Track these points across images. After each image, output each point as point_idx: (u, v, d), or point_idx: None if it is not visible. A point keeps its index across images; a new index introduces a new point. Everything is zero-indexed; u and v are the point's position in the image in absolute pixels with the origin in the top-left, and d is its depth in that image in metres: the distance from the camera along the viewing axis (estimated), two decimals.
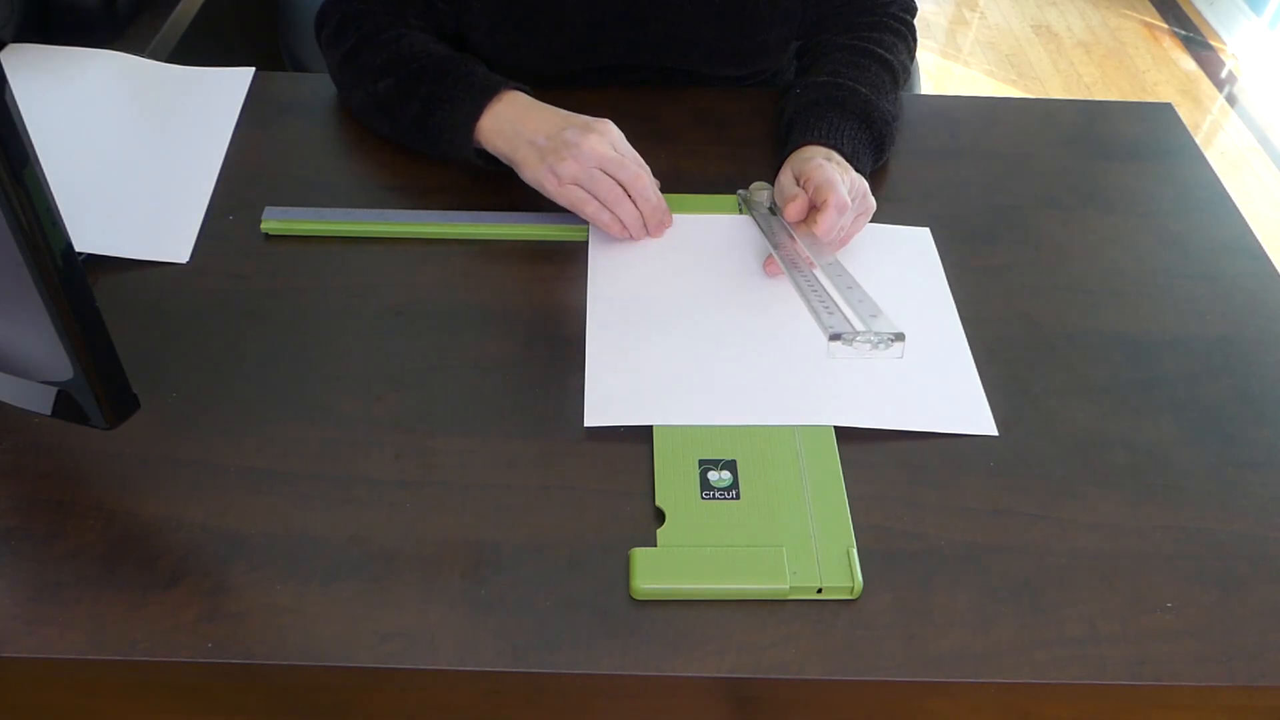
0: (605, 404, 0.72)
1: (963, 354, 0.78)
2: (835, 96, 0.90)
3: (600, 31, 0.99)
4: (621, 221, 0.83)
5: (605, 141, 0.82)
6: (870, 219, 0.86)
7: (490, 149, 0.86)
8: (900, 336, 0.68)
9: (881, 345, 0.69)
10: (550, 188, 0.82)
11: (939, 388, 0.76)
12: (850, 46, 0.96)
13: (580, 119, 0.84)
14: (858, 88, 0.90)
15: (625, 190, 0.83)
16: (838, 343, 0.68)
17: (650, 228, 0.85)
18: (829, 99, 0.90)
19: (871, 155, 0.90)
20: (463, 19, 0.99)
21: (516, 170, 0.85)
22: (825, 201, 0.79)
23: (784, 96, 0.95)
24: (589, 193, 0.82)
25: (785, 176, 0.85)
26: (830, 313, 0.71)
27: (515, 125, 0.85)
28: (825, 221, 0.78)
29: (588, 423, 0.71)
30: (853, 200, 0.80)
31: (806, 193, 0.81)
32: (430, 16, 0.98)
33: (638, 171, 0.83)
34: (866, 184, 0.84)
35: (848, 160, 0.86)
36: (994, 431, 0.73)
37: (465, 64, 0.89)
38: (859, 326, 0.69)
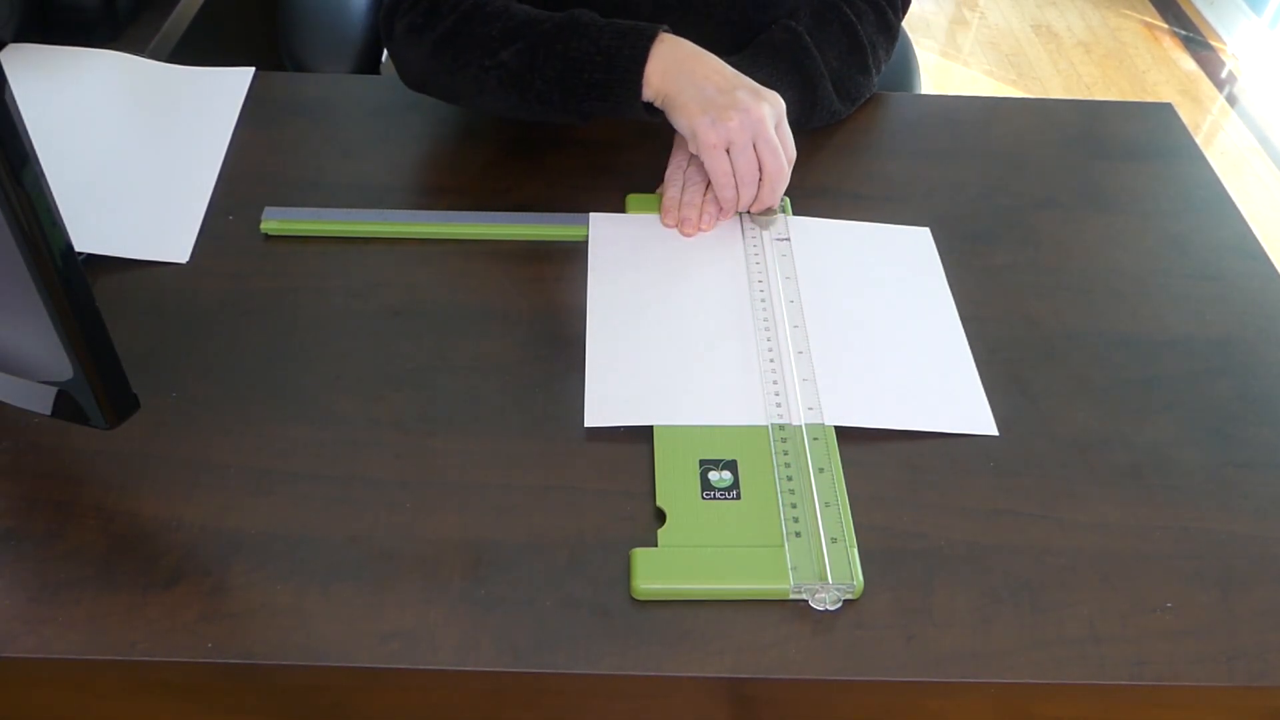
0: (605, 404, 0.72)
1: (963, 354, 0.78)
2: (771, 38, 0.93)
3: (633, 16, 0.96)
4: (726, 203, 0.82)
5: (772, 116, 0.79)
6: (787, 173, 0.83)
7: (650, 91, 0.83)
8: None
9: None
10: (703, 140, 0.79)
11: (939, 387, 0.76)
12: (814, 6, 0.97)
13: (751, 82, 0.81)
14: (799, 32, 0.93)
15: (760, 174, 0.81)
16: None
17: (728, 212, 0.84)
18: (766, 40, 0.93)
19: (796, 100, 0.91)
20: None
21: (669, 114, 0.82)
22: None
23: None
24: (732, 163, 0.80)
25: (679, 146, 0.89)
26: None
27: (682, 66, 0.81)
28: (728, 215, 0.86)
29: (588, 423, 0.71)
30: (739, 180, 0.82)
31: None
32: None
33: (784, 167, 0.81)
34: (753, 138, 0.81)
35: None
36: (994, 431, 0.73)
37: (596, 16, 0.85)
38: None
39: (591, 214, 0.87)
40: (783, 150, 0.81)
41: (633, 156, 0.95)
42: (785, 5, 0.97)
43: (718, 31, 0.98)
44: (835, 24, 0.96)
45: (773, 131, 0.80)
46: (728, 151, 0.80)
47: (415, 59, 0.91)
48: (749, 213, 0.86)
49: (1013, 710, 0.63)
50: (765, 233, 0.87)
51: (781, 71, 0.92)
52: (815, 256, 0.85)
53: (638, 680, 0.60)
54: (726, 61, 0.86)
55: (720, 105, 0.79)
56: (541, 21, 0.86)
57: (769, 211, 0.85)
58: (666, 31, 0.84)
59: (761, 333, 0.78)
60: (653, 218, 0.88)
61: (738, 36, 1.00)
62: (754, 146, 0.79)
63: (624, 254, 0.84)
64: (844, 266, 0.85)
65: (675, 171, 0.88)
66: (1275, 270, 0.88)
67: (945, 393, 0.75)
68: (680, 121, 0.81)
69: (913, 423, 0.73)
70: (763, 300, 0.81)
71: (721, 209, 0.85)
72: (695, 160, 0.86)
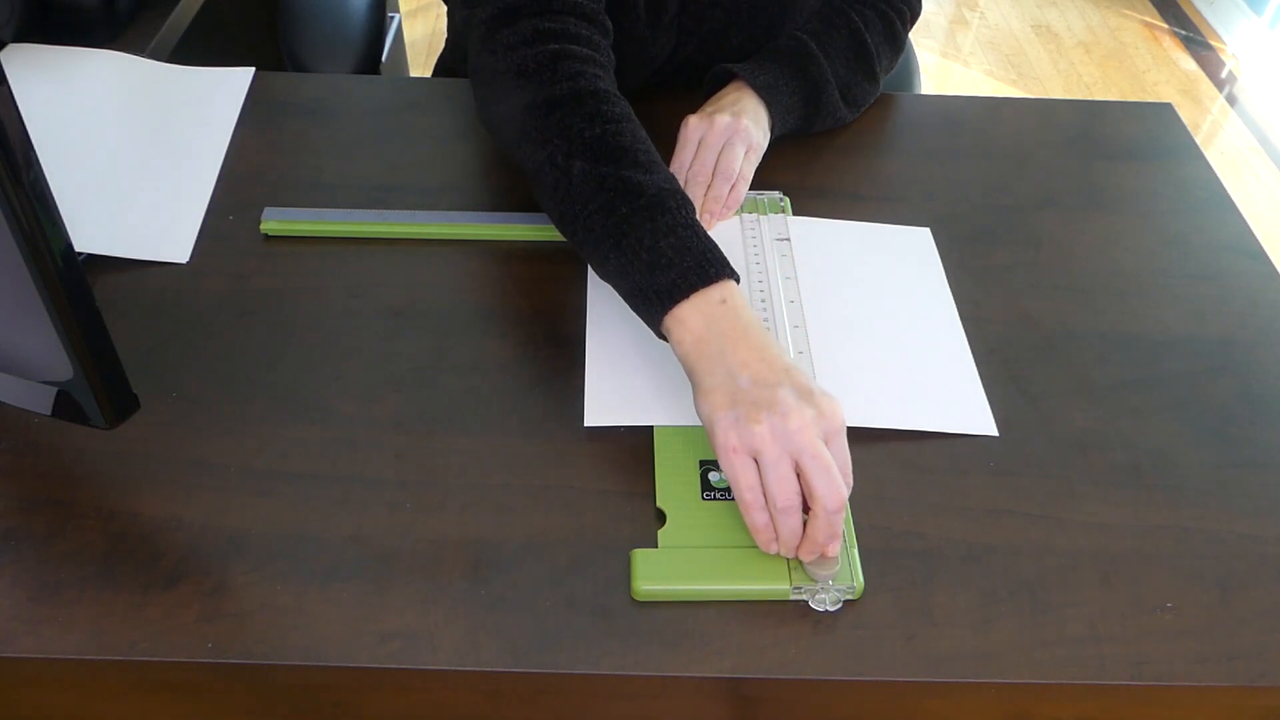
0: (605, 404, 0.72)
1: (963, 354, 0.78)
2: (778, 45, 0.94)
3: (657, 29, 0.96)
4: (774, 534, 0.63)
5: (819, 427, 0.61)
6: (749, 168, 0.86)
7: (677, 349, 0.67)
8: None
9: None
10: (719, 441, 0.62)
11: (939, 388, 0.76)
12: (823, 13, 0.98)
13: (805, 379, 0.63)
14: (806, 40, 0.93)
15: (805, 500, 0.62)
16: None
17: (803, 549, 0.63)
18: (774, 47, 0.94)
19: (801, 105, 0.92)
20: None
21: (691, 381, 0.67)
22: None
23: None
24: (760, 477, 0.62)
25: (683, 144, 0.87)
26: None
27: (723, 341, 0.65)
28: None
29: (588, 422, 0.71)
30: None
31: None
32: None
33: (839, 492, 0.61)
34: (752, 144, 0.86)
35: (758, 91, 0.89)
36: (994, 432, 0.73)
37: (674, 199, 0.71)
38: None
39: None
40: (836, 471, 0.61)
41: None
42: (802, 13, 0.98)
43: (740, 43, 0.98)
44: (843, 30, 0.96)
45: (821, 446, 0.61)
46: (756, 461, 0.62)
47: (491, 91, 0.80)
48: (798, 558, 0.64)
49: (1013, 710, 0.63)
50: (765, 233, 0.87)
51: (787, 77, 0.92)
52: (815, 256, 0.85)
53: (638, 680, 0.60)
54: (734, 67, 0.87)
55: (752, 403, 0.62)
56: (627, 160, 0.72)
57: (826, 561, 0.63)
58: (730, 279, 0.68)
59: None
60: None
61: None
62: (799, 463, 0.61)
63: None
64: (844, 266, 0.85)
65: (676, 171, 0.87)
66: (1275, 270, 0.88)
67: (945, 393, 0.75)
68: (700, 405, 0.65)
69: (913, 423, 0.73)
70: (763, 300, 0.81)
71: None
72: (699, 156, 0.85)
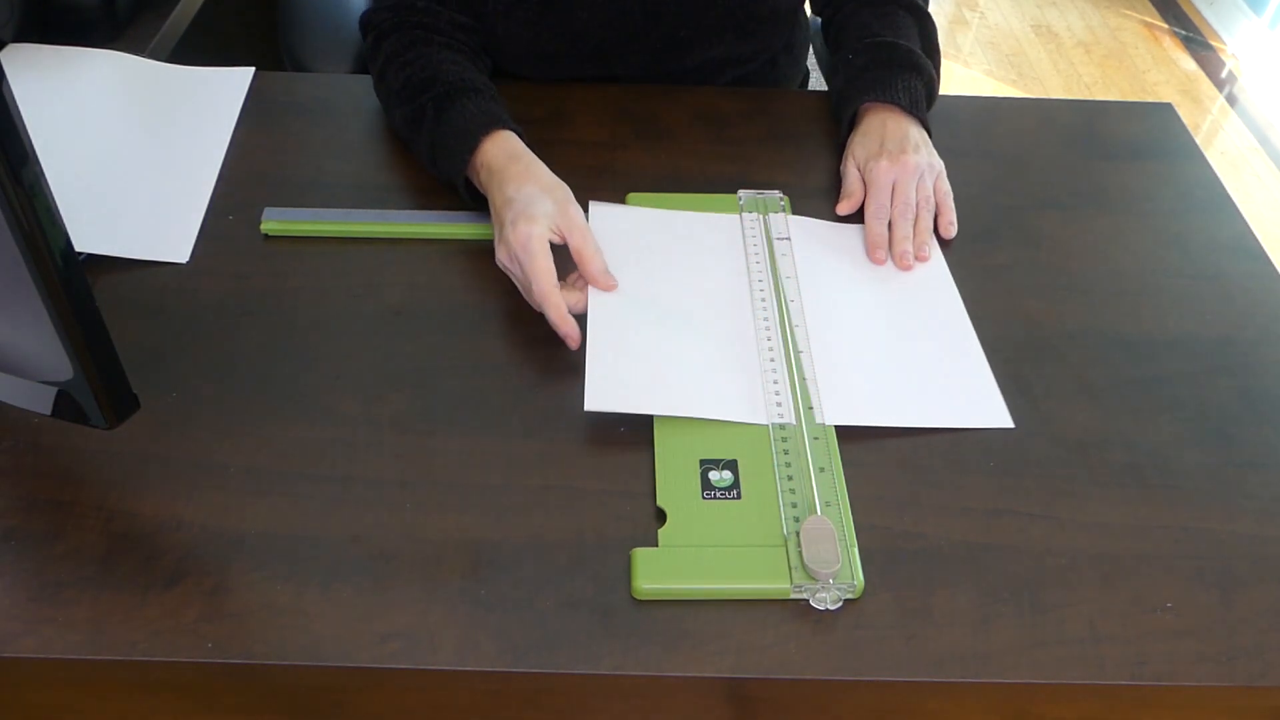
0: (605, 388, 0.72)
1: (973, 348, 0.78)
2: (880, 56, 0.95)
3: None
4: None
5: (521, 241, 0.76)
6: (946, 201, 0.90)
7: (480, 188, 0.85)
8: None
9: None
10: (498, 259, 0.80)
11: (949, 382, 0.76)
12: (874, 6, 1.00)
13: (524, 200, 0.78)
14: (897, 41, 0.95)
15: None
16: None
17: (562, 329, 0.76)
18: (875, 60, 0.95)
19: (926, 103, 0.95)
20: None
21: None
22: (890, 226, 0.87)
23: (831, 73, 1.02)
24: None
25: (849, 165, 0.92)
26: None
27: (490, 180, 0.83)
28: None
29: (588, 406, 0.71)
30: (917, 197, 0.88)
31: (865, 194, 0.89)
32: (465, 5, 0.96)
33: (546, 291, 0.75)
34: (936, 169, 0.91)
35: (909, 110, 0.92)
36: (1009, 423, 0.73)
37: (461, 96, 0.87)
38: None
39: (591, 202, 0.87)
40: (537, 280, 0.75)
41: (633, 156, 0.95)
42: None
43: (720, 19, 0.99)
44: (903, 16, 1.00)
45: (522, 256, 0.76)
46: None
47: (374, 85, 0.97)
48: None
49: (1013, 710, 0.63)
50: (765, 233, 0.87)
51: (909, 80, 0.94)
52: (815, 256, 0.85)
53: (638, 680, 0.60)
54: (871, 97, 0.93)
55: (497, 225, 0.80)
56: (428, 87, 0.88)
57: (826, 560, 0.64)
58: (506, 130, 0.85)
59: (762, 332, 0.78)
60: (651, 211, 0.88)
61: (741, 25, 1.00)
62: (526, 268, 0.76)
63: (624, 244, 0.84)
64: (845, 265, 0.85)
65: (878, 212, 0.88)
66: (1275, 270, 0.88)
67: (956, 387, 0.75)
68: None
69: (924, 420, 0.73)
70: (763, 300, 0.81)
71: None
72: (900, 195, 0.89)
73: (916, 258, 0.85)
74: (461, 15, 0.95)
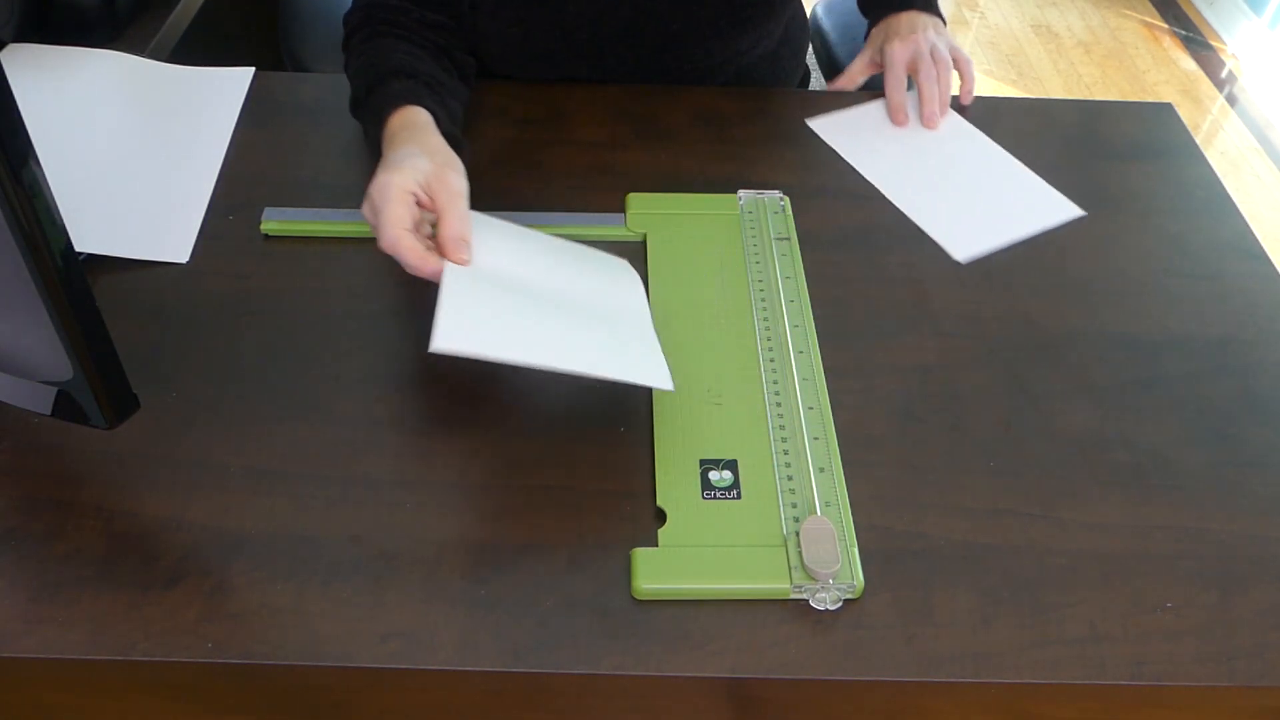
0: (462, 325, 0.65)
1: (1014, 165, 0.95)
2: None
3: None
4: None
5: (379, 187, 0.73)
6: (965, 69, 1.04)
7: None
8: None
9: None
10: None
11: (1011, 195, 0.92)
12: None
13: (398, 158, 0.75)
14: None
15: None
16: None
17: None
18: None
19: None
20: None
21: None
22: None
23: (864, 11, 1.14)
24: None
25: (861, 57, 1.08)
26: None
27: (384, 148, 0.80)
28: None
29: (434, 347, 0.63)
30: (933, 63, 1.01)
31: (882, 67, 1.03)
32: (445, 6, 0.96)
33: (395, 236, 0.71)
34: (949, 41, 1.03)
35: (923, 8, 1.05)
36: (1080, 211, 0.90)
37: (392, 79, 0.86)
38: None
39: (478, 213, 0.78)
40: (385, 228, 0.72)
41: (632, 156, 0.95)
42: None
43: (713, 11, 0.99)
44: None
45: (371, 215, 0.73)
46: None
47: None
48: None
49: (1013, 710, 0.63)
50: (765, 233, 0.87)
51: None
52: (851, 144, 0.98)
53: (638, 680, 0.60)
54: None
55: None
56: (365, 76, 0.88)
57: (826, 560, 0.64)
58: (413, 108, 0.82)
59: (762, 332, 0.78)
60: (539, 235, 0.83)
61: (735, 14, 1.01)
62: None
63: (502, 249, 0.77)
64: (878, 142, 0.99)
65: (897, 84, 1.02)
66: (1275, 270, 0.88)
67: (1020, 196, 0.92)
68: None
69: (1015, 232, 0.88)
70: (763, 300, 0.81)
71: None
72: (922, 68, 1.01)
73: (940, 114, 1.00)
74: (436, 14, 0.94)
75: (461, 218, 0.73)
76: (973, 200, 0.92)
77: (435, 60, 0.92)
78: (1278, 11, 2.71)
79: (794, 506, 0.67)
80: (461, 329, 0.65)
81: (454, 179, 0.75)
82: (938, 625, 0.62)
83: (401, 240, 0.71)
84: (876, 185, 0.93)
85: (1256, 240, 0.91)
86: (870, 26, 1.10)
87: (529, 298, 0.72)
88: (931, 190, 0.93)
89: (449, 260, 0.71)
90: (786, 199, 0.91)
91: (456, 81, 0.93)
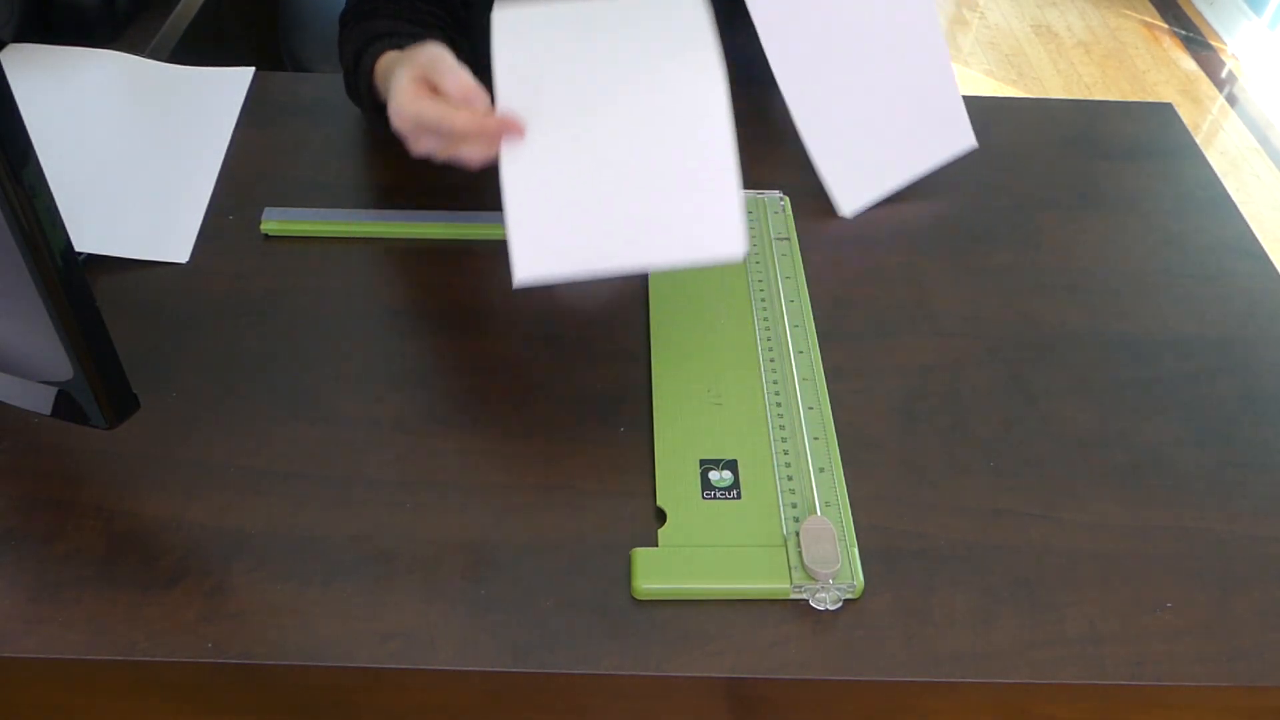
0: (538, 254, 0.65)
1: (940, 67, 0.87)
2: None
3: None
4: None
5: (397, 93, 0.73)
6: None
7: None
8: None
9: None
10: None
11: (916, 117, 0.85)
12: None
13: (395, 75, 0.75)
14: None
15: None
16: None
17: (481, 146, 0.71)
18: None
19: None
20: None
21: None
22: None
23: None
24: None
25: None
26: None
27: (386, 84, 0.79)
28: None
29: (518, 281, 0.64)
30: None
31: None
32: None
33: (440, 114, 0.71)
34: None
35: None
36: (973, 143, 0.87)
37: (369, 45, 0.86)
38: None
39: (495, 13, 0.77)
40: (407, 116, 0.73)
41: None
42: None
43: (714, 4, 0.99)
44: None
45: (397, 108, 0.74)
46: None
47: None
48: None
49: (1013, 710, 0.63)
50: (765, 233, 0.87)
51: None
52: (789, 30, 0.87)
53: (638, 680, 0.60)
54: None
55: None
56: (350, 44, 0.89)
57: (825, 559, 0.64)
58: (391, 51, 0.83)
59: (762, 332, 0.78)
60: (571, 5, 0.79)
61: (736, 10, 1.00)
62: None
63: (537, 60, 0.74)
64: (817, 26, 0.87)
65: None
66: (1275, 270, 0.88)
67: (926, 120, 0.83)
68: None
69: (909, 173, 0.81)
70: (763, 300, 0.81)
71: None
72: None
73: None
74: (428, 4, 0.94)
75: (478, 88, 0.71)
76: (873, 123, 0.84)
77: (427, 33, 0.92)
78: (1278, 11, 2.71)
79: (794, 506, 0.67)
80: (537, 255, 0.65)
81: (446, 59, 0.73)
82: (938, 625, 0.62)
83: (456, 115, 0.69)
84: (784, 90, 0.85)
85: (1256, 240, 0.91)
86: None
87: (593, 172, 0.67)
88: (836, 103, 0.85)
89: (492, 131, 0.69)
90: (786, 199, 0.91)
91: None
